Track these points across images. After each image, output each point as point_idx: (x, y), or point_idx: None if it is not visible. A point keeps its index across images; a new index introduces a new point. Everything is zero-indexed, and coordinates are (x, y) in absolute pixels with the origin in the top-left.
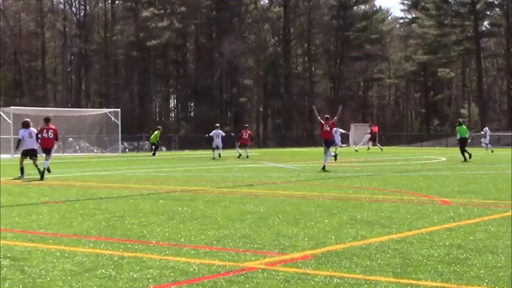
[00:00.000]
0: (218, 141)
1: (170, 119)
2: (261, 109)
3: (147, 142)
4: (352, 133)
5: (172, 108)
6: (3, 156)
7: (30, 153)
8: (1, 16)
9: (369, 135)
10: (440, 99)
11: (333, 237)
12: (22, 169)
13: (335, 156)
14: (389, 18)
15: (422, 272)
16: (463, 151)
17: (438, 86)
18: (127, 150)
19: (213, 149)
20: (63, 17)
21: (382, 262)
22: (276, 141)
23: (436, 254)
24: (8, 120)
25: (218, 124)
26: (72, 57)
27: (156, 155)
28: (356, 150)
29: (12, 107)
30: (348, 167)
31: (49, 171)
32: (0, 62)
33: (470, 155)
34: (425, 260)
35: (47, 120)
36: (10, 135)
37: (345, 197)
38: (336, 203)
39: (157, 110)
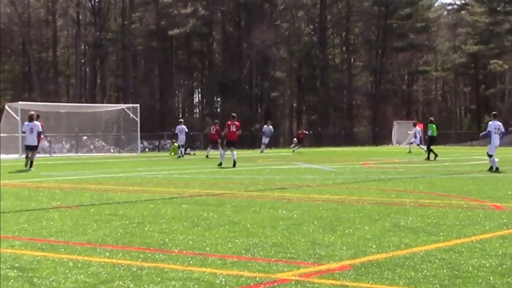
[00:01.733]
0: (182, 138)
1: (194, 115)
2: (294, 105)
3: (168, 141)
4: (395, 132)
5: (196, 104)
6: (10, 156)
7: (29, 148)
8: (8, 2)
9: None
10: (492, 93)
11: (374, 246)
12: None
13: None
14: (436, 4)
15: (472, 284)
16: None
17: (490, 80)
18: (146, 149)
19: (180, 146)
20: (76, 3)
21: (428, 273)
22: (311, 140)
23: (487, 265)
24: (16, 117)
25: (182, 120)
26: (86, 47)
27: (183, 156)
28: (409, 151)
29: (20, 102)
30: (391, 169)
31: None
32: (8, 53)
33: (436, 156)
34: (475, 271)
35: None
36: (18, 133)
37: (388, 201)
38: (378, 208)
39: (180, 105)
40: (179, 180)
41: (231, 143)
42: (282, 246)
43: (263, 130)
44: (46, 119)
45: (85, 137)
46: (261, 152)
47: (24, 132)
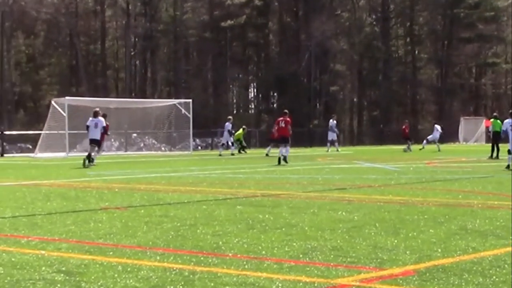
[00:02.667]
0: (225, 136)
1: (250, 111)
2: (355, 100)
3: (222, 138)
4: (461, 128)
5: (252, 99)
6: (56, 154)
7: (92, 142)
8: None
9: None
10: None
11: (439, 250)
12: (89, 156)
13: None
14: None
15: None
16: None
17: None
18: (199, 147)
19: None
20: None
21: (497, 279)
22: (373, 138)
23: None
24: (63, 113)
25: (230, 117)
26: (137, 39)
27: (237, 153)
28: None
29: (67, 98)
30: (457, 168)
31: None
32: (54, 46)
33: (497, 153)
34: None
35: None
36: (65, 130)
37: (454, 203)
38: (443, 210)
39: (235, 100)
40: (233, 180)
41: (284, 140)
42: (342, 250)
43: (330, 125)
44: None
45: (134, 135)
46: (328, 151)
47: (88, 127)
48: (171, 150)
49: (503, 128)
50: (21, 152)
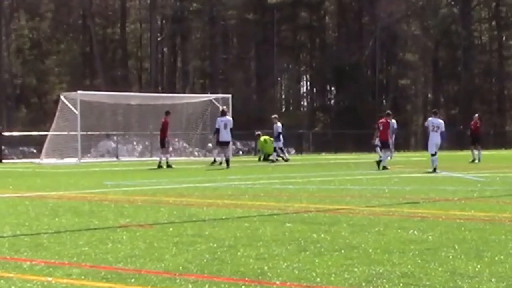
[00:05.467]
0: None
1: (301, 109)
2: (429, 95)
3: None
4: None
5: (304, 94)
6: (66, 160)
7: (224, 145)
8: None
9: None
10: None
11: None
12: (214, 160)
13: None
14: None
15: None
16: None
17: None
18: (240, 152)
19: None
20: None
21: None
22: (450, 141)
23: None
24: (74, 110)
25: (275, 115)
26: (164, 22)
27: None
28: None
29: (79, 92)
30: None
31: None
32: (64, 29)
33: None
34: None
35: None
36: (77, 130)
37: None
38: None
39: (283, 96)
40: (281, 192)
41: (383, 144)
42: (413, 277)
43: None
44: (112, 113)
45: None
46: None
47: (218, 129)
48: (205, 155)
49: None
50: (23, 157)
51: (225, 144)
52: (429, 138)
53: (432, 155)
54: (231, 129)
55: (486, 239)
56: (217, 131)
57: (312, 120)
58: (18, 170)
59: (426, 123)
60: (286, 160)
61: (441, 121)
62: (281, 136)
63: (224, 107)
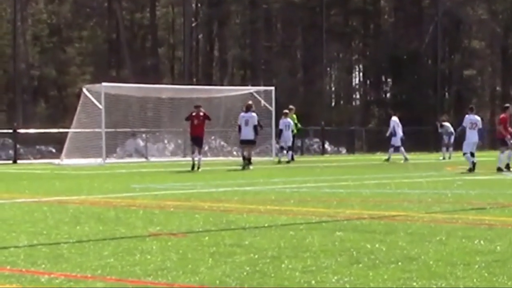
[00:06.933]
0: (287, 135)
1: (353, 103)
2: (498, 88)
3: (316, 140)
4: None
5: (356, 86)
6: (89, 161)
7: (244, 143)
8: None
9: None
10: None
11: None
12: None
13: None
14: None
15: None
16: None
17: None
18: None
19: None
20: None
21: None
22: None
23: None
24: (98, 105)
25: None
26: (199, 5)
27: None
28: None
29: (104, 84)
30: None
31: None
32: (87, 13)
33: None
34: None
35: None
36: (101, 127)
37: None
38: None
39: (333, 88)
40: (331, 196)
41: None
42: None
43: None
44: (140, 108)
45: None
46: (443, 158)
47: (239, 126)
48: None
49: None
50: (41, 157)
51: (245, 143)
52: (466, 136)
53: (465, 153)
54: (255, 127)
55: None
56: (239, 128)
57: (365, 115)
58: (35, 171)
59: (464, 122)
60: (288, 162)
61: (479, 118)
62: (284, 133)
63: (250, 102)
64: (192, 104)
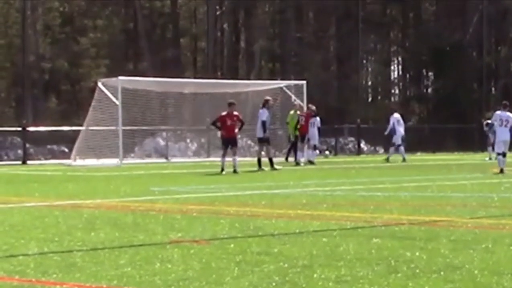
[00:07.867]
0: (312, 132)
1: (391, 98)
2: None
3: (352, 138)
4: None
5: (395, 80)
6: (105, 161)
7: (260, 141)
8: None
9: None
10: None
11: None
12: (259, 161)
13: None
14: None
15: None
16: None
17: None
18: (317, 151)
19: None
20: None
21: None
22: None
23: None
24: (115, 100)
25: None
26: None
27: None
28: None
29: (121, 78)
30: None
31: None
32: (102, 1)
33: None
34: None
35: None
36: (118, 125)
37: None
38: None
39: (369, 83)
40: (367, 200)
41: None
42: None
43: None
44: (160, 104)
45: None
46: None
47: (264, 122)
48: (274, 154)
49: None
50: (52, 157)
51: (258, 141)
52: (496, 134)
53: (499, 154)
54: (264, 122)
55: None
56: (263, 124)
57: (405, 112)
58: (45, 173)
59: (493, 118)
60: (311, 162)
61: (511, 115)
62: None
63: (267, 97)
64: (215, 100)
